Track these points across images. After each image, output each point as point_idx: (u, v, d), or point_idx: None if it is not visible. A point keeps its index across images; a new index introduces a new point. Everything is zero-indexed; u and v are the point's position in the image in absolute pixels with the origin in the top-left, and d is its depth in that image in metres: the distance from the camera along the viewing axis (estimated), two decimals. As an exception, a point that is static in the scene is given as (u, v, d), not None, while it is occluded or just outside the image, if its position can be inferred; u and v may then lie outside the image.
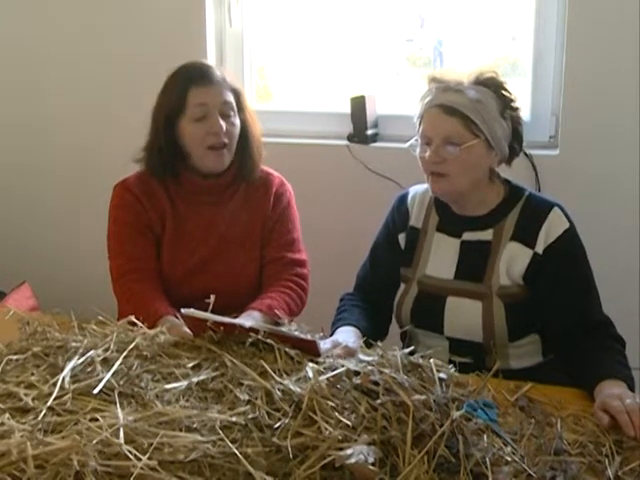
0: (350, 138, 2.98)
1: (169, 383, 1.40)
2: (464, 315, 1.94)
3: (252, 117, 2.22)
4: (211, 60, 3.07)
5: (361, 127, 2.95)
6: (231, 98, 2.14)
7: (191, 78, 2.10)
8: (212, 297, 1.62)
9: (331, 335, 1.88)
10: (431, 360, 1.46)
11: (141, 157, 2.19)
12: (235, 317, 1.79)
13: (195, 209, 2.19)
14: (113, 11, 3.19)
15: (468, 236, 2.00)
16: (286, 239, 2.23)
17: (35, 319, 1.74)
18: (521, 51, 2.98)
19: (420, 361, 1.45)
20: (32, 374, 1.47)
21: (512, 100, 1.96)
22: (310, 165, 2.99)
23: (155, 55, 3.10)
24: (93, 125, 3.32)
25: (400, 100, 3.19)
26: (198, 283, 2.13)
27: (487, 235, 1.98)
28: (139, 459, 1.16)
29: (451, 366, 1.49)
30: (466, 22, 3.14)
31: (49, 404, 1.34)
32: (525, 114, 2.06)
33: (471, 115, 1.88)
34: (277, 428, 1.25)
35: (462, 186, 1.94)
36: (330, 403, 1.30)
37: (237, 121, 2.15)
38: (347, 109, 2.98)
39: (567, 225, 1.92)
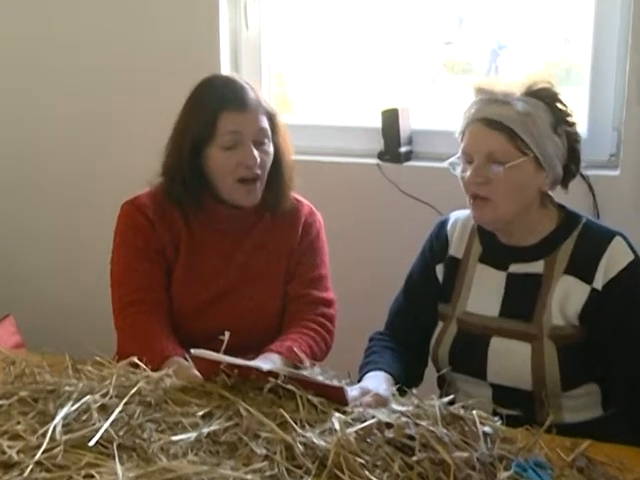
0: (381, 156, 2.99)
1: (176, 434, 1.40)
2: (510, 359, 1.93)
3: (285, 141, 2.21)
4: (225, 66, 3.10)
5: (393, 144, 2.95)
6: (266, 124, 2.13)
7: (223, 100, 2.08)
8: (226, 334, 1.63)
9: (359, 381, 1.87)
10: (474, 411, 1.46)
11: (159, 183, 2.19)
12: (251, 359, 1.79)
13: (214, 236, 2.20)
14: (117, 13, 3.23)
15: (515, 268, 1.99)
16: (313, 275, 2.23)
17: (22, 359, 1.75)
18: (577, 55, 2.98)
19: (461, 412, 1.45)
20: (18, 423, 1.48)
21: (568, 114, 1.96)
22: (335, 187, 3.00)
23: (163, 61, 3.13)
24: (93, 135, 3.33)
25: (437, 113, 3.20)
26: (212, 320, 2.13)
27: (537, 267, 1.97)
28: (141, 522, 1.16)
29: (497, 418, 1.48)
30: (512, 22, 3.15)
31: (37, 458, 1.34)
32: (581, 129, 2.06)
33: (518, 129, 1.88)
34: (299, 488, 1.25)
35: (508, 212, 1.93)
36: (359, 460, 1.30)
37: (271, 149, 2.15)
38: (377, 123, 2.99)
39: (631, 257, 1.91)
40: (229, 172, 2.10)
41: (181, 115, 2.16)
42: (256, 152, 2.09)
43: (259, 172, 2.11)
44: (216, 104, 2.08)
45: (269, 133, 2.14)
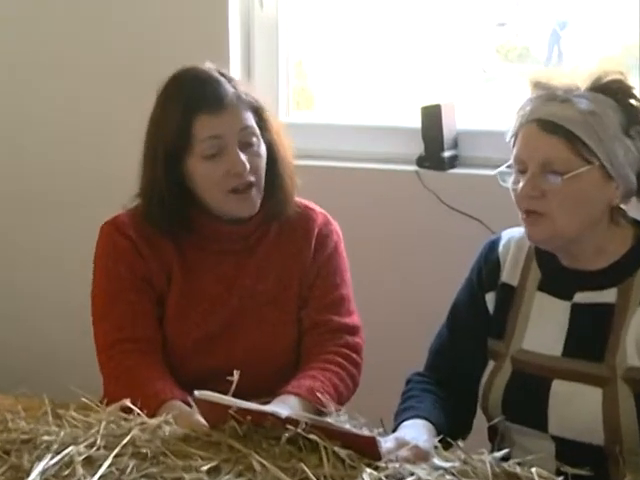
0: (420, 162, 3.01)
1: (176, 492, 1.41)
2: (577, 407, 1.92)
3: (279, 136, 2.23)
4: (234, 53, 3.14)
5: (435, 147, 2.97)
6: (251, 120, 2.15)
7: (194, 101, 2.11)
8: (236, 374, 1.64)
9: (394, 430, 1.88)
10: (533, 469, 1.46)
11: (136, 206, 2.22)
12: (265, 403, 1.80)
13: (211, 258, 2.21)
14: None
15: (582, 297, 1.99)
16: (332, 297, 2.24)
17: (-8, 403, 1.77)
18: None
19: (517, 470, 1.46)
20: (-14, 479, 1.49)
21: (643, 112, 1.96)
22: (365, 198, 3.02)
23: (161, 47, 3.16)
24: (91, 123, 3.38)
25: (489, 110, 3.19)
26: (214, 357, 2.15)
27: (609, 296, 1.97)
28: None
29: (561, 478, 1.47)
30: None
31: (10, 522, 1.36)
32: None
33: (580, 133, 1.87)
34: None
35: (568, 229, 1.93)
36: (395, 525, 1.31)
37: (263, 148, 2.17)
38: (416, 122, 3.01)
39: None
40: (216, 184, 2.12)
41: (150, 122, 2.18)
42: (244, 156, 2.11)
43: (252, 179, 2.13)
44: (187, 107, 2.10)
45: (257, 131, 2.16)
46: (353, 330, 2.23)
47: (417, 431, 1.85)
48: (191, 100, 2.11)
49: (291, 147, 2.26)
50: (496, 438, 2.03)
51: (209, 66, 2.19)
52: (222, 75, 2.17)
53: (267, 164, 2.18)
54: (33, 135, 3.46)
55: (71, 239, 3.35)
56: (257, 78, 3.19)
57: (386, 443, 1.66)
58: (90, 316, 2.21)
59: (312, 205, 2.31)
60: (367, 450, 1.54)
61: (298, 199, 2.28)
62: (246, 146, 2.13)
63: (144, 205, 2.19)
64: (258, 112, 2.18)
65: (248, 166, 2.11)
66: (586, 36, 3.19)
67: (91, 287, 2.22)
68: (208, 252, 2.22)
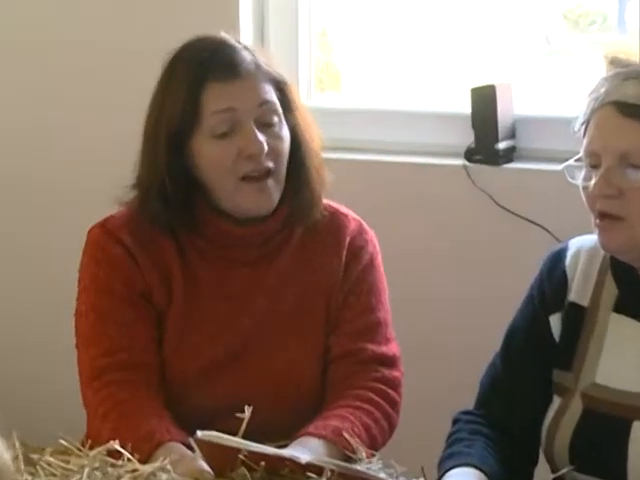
0: (470, 155, 3.02)
1: None
2: (663, 454, 1.93)
3: (305, 120, 2.24)
4: (245, 21, 3.14)
5: (488, 137, 2.98)
6: (272, 95, 2.16)
7: (204, 68, 2.11)
8: (247, 411, 1.64)
9: (439, 480, 1.89)
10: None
11: (132, 200, 2.22)
12: (283, 447, 1.81)
13: (220, 268, 2.22)
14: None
15: (668, 321, 2.00)
16: (367, 321, 2.24)
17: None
18: None
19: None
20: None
21: None
22: (403, 199, 3.03)
23: (163, 16, 3.17)
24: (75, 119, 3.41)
25: (553, 92, 3.19)
26: (221, 390, 2.15)
27: (702, 320, 1.97)
28: None
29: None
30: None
31: None
32: None
33: (666, 118, 1.88)
34: None
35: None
36: None
37: (285, 131, 2.17)
38: (465, 107, 3.02)
39: None
40: (227, 169, 2.12)
41: (152, 100, 2.19)
42: (261, 136, 2.11)
43: (271, 165, 2.13)
44: (195, 75, 2.11)
45: (278, 109, 2.16)
46: (391, 361, 2.23)
47: (465, 481, 1.87)
48: (200, 67, 2.12)
49: (319, 136, 2.26)
50: (563, 492, 2.05)
51: (224, 35, 2.20)
52: (239, 42, 2.19)
53: (290, 153, 2.18)
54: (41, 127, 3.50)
55: (57, 248, 3.37)
56: (272, 51, 3.17)
57: (429, 496, 1.67)
58: (73, 339, 2.21)
59: (344, 209, 2.31)
60: (406, 504, 1.55)
61: (327, 201, 2.28)
62: (265, 126, 2.13)
63: (141, 197, 2.19)
64: (280, 87, 2.18)
65: (266, 148, 2.11)
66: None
67: (76, 304, 2.22)
68: (216, 261, 2.22)
